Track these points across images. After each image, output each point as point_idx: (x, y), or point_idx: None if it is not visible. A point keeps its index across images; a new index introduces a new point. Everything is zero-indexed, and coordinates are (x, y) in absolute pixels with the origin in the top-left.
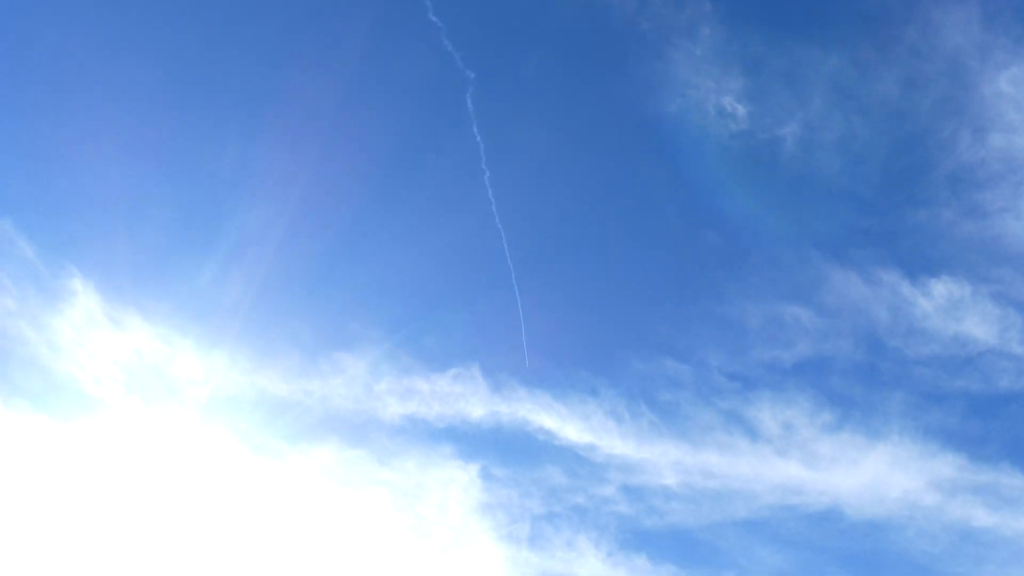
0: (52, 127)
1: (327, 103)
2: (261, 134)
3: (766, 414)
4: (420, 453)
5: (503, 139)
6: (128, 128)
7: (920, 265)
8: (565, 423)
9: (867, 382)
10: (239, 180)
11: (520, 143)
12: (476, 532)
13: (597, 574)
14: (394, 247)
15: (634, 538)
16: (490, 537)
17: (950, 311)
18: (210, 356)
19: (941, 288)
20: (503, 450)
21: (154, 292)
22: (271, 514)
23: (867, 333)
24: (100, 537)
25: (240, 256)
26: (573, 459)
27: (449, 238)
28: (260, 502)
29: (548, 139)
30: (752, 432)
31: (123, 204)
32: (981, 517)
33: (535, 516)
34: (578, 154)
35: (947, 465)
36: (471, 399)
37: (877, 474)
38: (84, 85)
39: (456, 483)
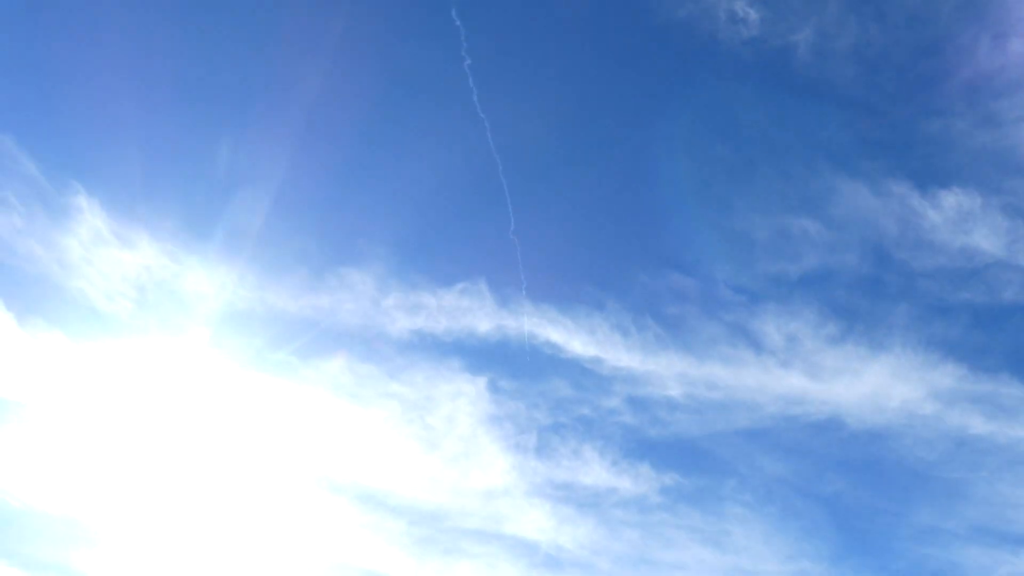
0: (52, 42)
1: (332, 27)
2: (269, 56)
3: (771, 327)
4: (428, 367)
5: (500, 51)
6: (133, 43)
7: (931, 176)
8: (571, 337)
9: (872, 294)
10: (245, 98)
11: (520, 53)
12: (484, 443)
13: (602, 481)
14: (400, 164)
15: (638, 447)
16: (498, 447)
17: (959, 223)
18: (218, 273)
19: (951, 199)
20: (510, 363)
21: (160, 210)
22: (283, 429)
23: (874, 245)
24: (115, 453)
25: (246, 173)
26: (579, 372)
27: (454, 154)
28: (271, 417)
29: (549, 49)
30: (756, 344)
31: (126, 120)
32: (978, 425)
33: (542, 427)
34: (582, 63)
35: (947, 376)
36: (478, 313)
37: (878, 385)
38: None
39: (464, 396)
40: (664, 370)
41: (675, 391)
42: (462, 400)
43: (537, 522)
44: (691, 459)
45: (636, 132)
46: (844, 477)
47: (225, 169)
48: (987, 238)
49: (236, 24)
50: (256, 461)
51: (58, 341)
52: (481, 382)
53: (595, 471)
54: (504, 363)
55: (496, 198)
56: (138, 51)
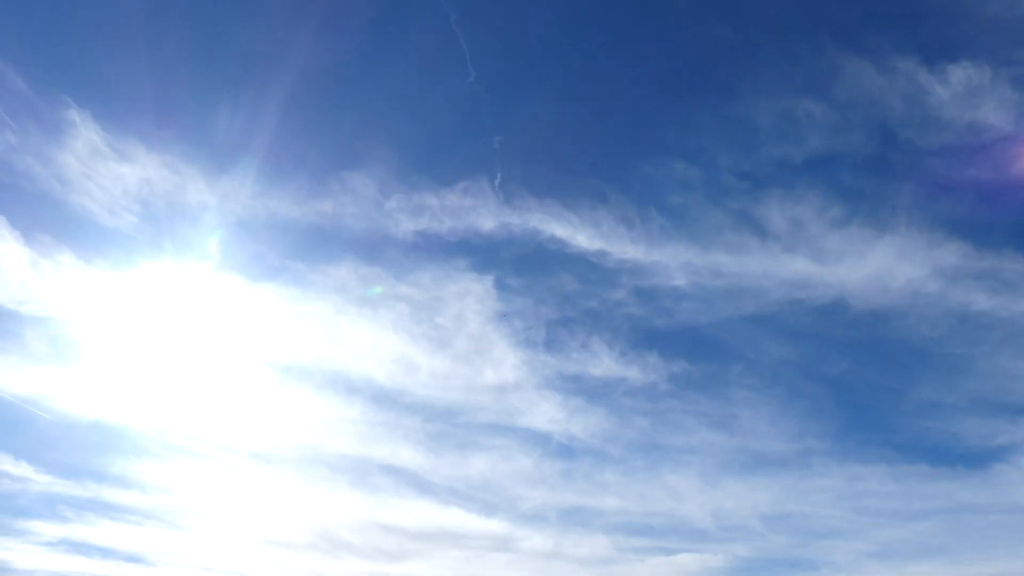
0: None
1: None
2: None
3: (775, 212)
4: (435, 267)
5: None
6: None
7: (939, 50)
8: (576, 231)
9: (877, 175)
10: (243, 5)
11: None
12: (494, 339)
13: (611, 372)
14: (395, 65)
15: (645, 338)
16: (507, 343)
17: (967, 98)
18: (219, 182)
19: (959, 74)
20: (516, 260)
21: (155, 121)
22: (293, 335)
23: (880, 125)
24: (134, 363)
25: (243, 80)
26: (585, 266)
27: (450, 49)
28: (281, 323)
29: None
30: (761, 230)
31: (115, 31)
32: (981, 301)
33: (550, 322)
34: None
35: (951, 253)
36: (482, 212)
37: (883, 265)
38: None
39: (472, 294)
40: (669, 260)
41: (681, 281)
42: (470, 299)
43: (549, 414)
44: (698, 346)
45: (633, 18)
46: (848, 358)
47: (221, 77)
48: (995, 112)
49: None
50: (269, 366)
51: (65, 257)
52: (488, 280)
53: (604, 362)
54: (510, 260)
55: (495, 94)
56: None
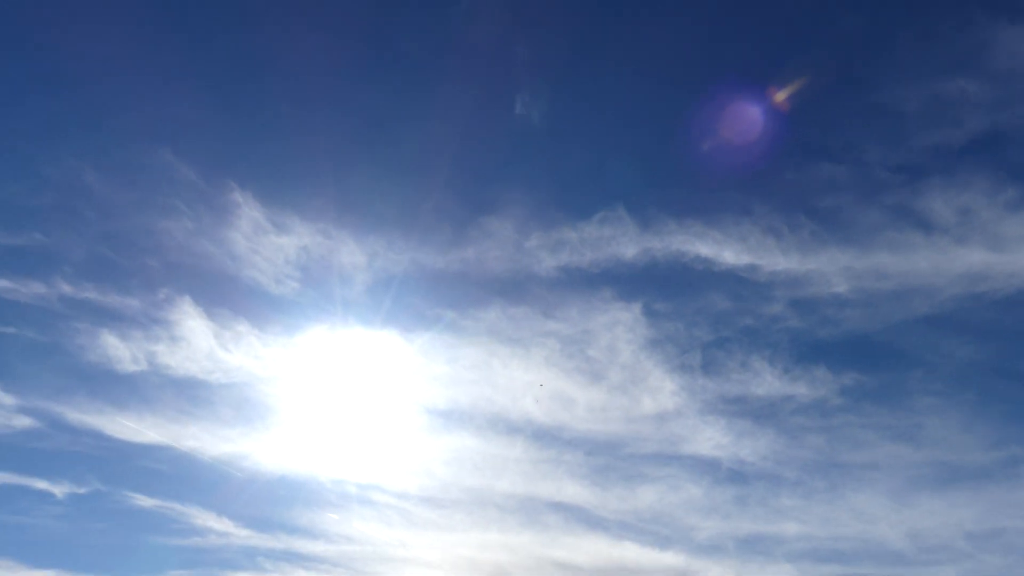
0: (187, 54)
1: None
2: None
3: (939, 203)
4: (581, 300)
5: None
6: (265, 41)
7: None
8: (721, 248)
9: None
10: (367, 79)
11: None
12: (648, 367)
13: (775, 390)
14: (515, 107)
15: (810, 351)
16: (663, 370)
17: None
18: (367, 242)
19: None
20: (662, 285)
21: (306, 193)
22: (451, 379)
23: None
24: (312, 418)
25: (379, 146)
26: (735, 282)
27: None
28: (439, 369)
29: None
30: (925, 224)
31: (264, 117)
32: None
33: (705, 344)
34: None
35: None
36: (621, 240)
37: None
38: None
39: (621, 324)
40: (826, 267)
41: (841, 287)
42: (619, 328)
43: (714, 439)
44: (869, 355)
45: (756, 14)
46: None
47: (360, 146)
48: None
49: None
50: (431, 413)
51: (242, 327)
52: (636, 308)
53: (767, 381)
54: (655, 285)
55: (626, 121)
56: (271, 50)
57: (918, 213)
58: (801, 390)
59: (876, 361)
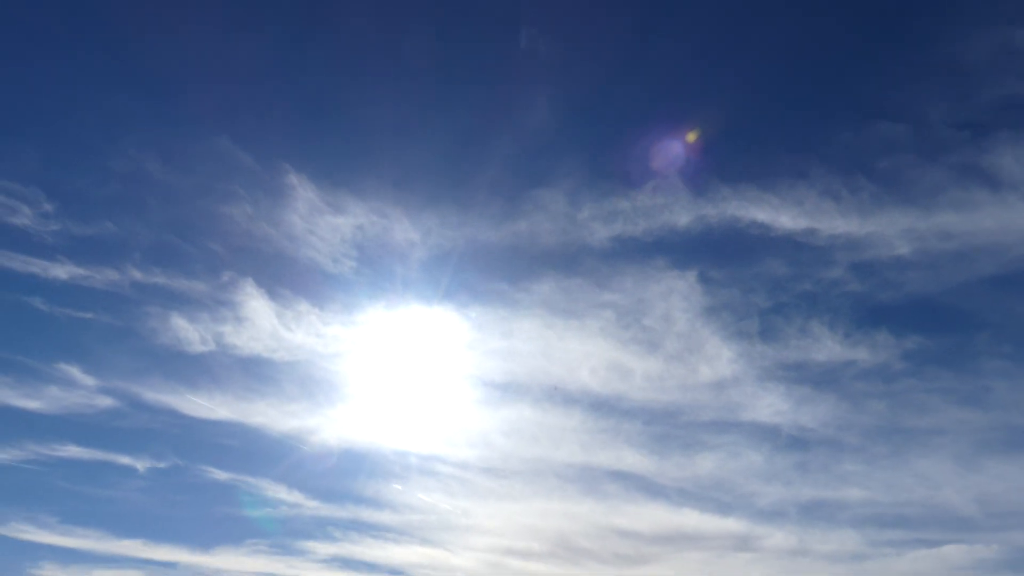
0: (238, 45)
1: None
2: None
3: (1007, 158)
4: (635, 270)
5: None
6: (307, 29)
7: None
8: (778, 213)
9: None
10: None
11: None
12: (705, 335)
13: (836, 356)
14: (570, 71)
15: (871, 315)
16: (720, 338)
17: None
18: (421, 219)
19: None
20: (717, 252)
21: (360, 172)
22: (508, 352)
23: None
24: (371, 392)
25: (429, 121)
26: (792, 247)
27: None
28: (495, 342)
29: None
30: (992, 181)
31: (314, 98)
32: None
33: (762, 310)
34: None
35: None
36: (675, 208)
37: None
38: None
39: (676, 292)
40: (887, 229)
41: (903, 249)
42: (675, 297)
43: (773, 406)
44: (933, 318)
45: None
46: None
47: (411, 123)
48: None
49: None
50: (488, 386)
51: (303, 306)
52: (691, 276)
53: (827, 346)
54: (711, 253)
55: (668, 87)
56: (319, 35)
57: (984, 170)
58: (863, 355)
59: (940, 324)
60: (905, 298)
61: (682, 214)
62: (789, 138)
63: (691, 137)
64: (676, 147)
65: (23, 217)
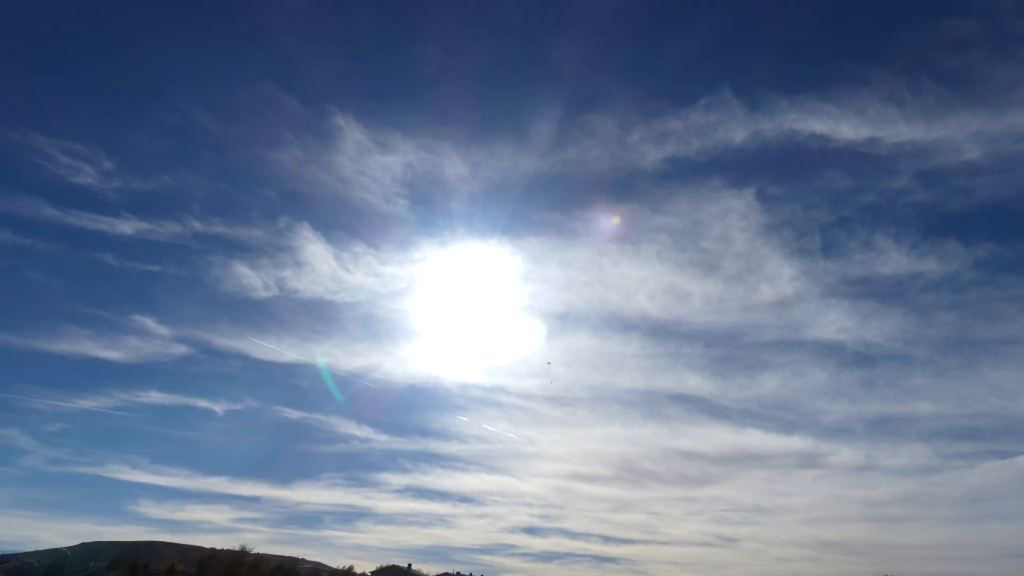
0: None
1: None
2: None
3: None
4: (690, 192)
5: None
6: None
7: None
8: (838, 123)
9: None
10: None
11: None
12: (765, 254)
13: (902, 268)
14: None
15: (939, 224)
16: (781, 255)
17: None
18: (470, 152)
19: None
20: (774, 168)
21: (405, 109)
22: (563, 281)
23: None
24: (431, 328)
25: (470, 53)
26: (854, 158)
27: None
28: (551, 271)
29: None
30: None
31: (355, 38)
32: None
33: (823, 225)
34: None
35: None
36: (729, 124)
37: None
38: None
39: (733, 212)
40: (955, 133)
41: (973, 154)
42: (732, 217)
43: (838, 323)
44: (1006, 224)
45: None
46: None
47: (453, 55)
48: None
49: None
50: (546, 316)
51: (359, 247)
52: (748, 194)
53: (893, 259)
54: (768, 169)
55: None
56: None
57: None
58: (931, 266)
59: (1013, 231)
60: (976, 205)
61: (737, 130)
62: (848, 42)
63: (740, 48)
64: (725, 59)
65: (87, 176)
